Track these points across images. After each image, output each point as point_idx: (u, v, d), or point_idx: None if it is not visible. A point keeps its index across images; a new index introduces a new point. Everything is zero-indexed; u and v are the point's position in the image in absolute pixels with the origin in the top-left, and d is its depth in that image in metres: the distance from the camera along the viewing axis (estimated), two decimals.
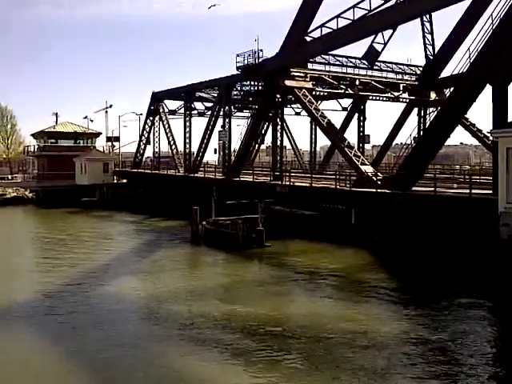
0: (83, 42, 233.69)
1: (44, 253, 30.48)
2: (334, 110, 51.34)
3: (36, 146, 67.70)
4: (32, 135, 69.79)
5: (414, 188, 29.56)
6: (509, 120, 24.91)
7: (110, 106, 76.71)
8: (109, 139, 73.76)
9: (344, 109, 51.34)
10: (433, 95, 44.84)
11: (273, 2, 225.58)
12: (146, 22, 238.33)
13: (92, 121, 74.02)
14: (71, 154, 62.39)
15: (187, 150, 53.17)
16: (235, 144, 52.86)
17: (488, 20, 27.71)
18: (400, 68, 46.19)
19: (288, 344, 15.00)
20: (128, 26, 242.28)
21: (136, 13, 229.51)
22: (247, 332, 15.90)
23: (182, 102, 55.64)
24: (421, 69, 46.32)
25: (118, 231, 39.23)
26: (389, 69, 45.59)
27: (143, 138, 61.54)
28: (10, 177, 70.21)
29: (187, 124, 53.01)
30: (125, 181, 62.29)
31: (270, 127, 45.04)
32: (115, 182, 61.84)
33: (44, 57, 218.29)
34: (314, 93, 41.67)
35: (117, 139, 75.03)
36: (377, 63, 44.25)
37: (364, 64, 43.59)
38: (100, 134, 69.92)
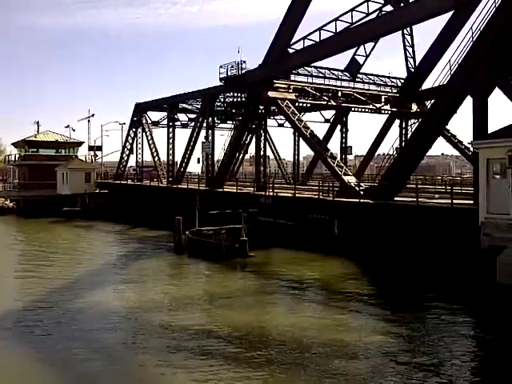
0: (64, 51, 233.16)
1: (24, 264, 30.12)
2: (316, 122, 51.72)
3: (17, 155, 67.05)
4: (13, 144, 69.23)
5: (396, 198, 29.86)
6: (489, 131, 25.29)
7: (93, 115, 76.51)
8: (91, 148, 73.40)
9: (326, 120, 51.71)
10: (414, 107, 45.48)
11: (256, 14, 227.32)
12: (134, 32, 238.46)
13: (74, 130, 74.00)
14: (53, 164, 61.81)
15: (170, 161, 53.13)
16: (218, 155, 53.01)
17: (468, 33, 28.19)
18: (382, 80, 46.82)
19: (267, 353, 14.93)
20: (111, 36, 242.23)
21: (124, 23, 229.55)
22: (227, 341, 15.82)
23: (165, 113, 55.63)
24: (402, 81, 46.97)
25: (100, 241, 38.91)
26: (371, 81, 46.19)
27: (126, 149, 61.44)
28: None
29: (170, 135, 53.06)
30: (107, 190, 61.86)
31: (254, 138, 45.21)
32: (97, 191, 61.43)
33: (26, 65, 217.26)
34: (296, 104, 41.98)
35: (99, 148, 74.79)
36: (359, 75, 44.86)
37: (346, 76, 44.14)
38: (82, 143, 69.58)
